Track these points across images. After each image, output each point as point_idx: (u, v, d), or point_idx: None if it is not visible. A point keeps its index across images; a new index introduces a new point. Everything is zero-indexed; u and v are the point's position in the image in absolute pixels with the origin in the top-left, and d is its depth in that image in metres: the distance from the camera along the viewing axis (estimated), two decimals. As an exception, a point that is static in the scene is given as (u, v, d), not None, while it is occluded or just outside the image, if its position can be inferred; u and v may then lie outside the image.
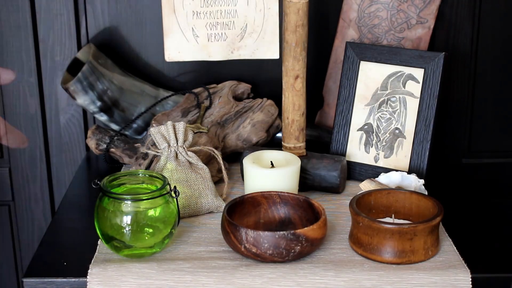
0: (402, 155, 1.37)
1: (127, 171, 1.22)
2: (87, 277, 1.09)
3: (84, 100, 1.46)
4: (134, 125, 1.49)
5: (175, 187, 1.14)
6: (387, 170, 1.36)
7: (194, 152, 1.31)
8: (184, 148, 1.27)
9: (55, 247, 1.19)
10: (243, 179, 1.34)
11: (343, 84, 1.43)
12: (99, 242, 1.18)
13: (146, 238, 1.12)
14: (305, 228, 1.10)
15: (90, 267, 1.10)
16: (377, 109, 1.40)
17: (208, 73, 1.57)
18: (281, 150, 1.37)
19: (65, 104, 1.58)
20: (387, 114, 1.39)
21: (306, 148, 1.39)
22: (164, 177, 1.15)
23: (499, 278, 1.11)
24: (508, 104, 1.59)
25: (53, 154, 1.61)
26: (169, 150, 1.26)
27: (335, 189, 1.35)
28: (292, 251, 1.09)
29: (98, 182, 1.14)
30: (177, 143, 1.27)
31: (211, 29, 1.50)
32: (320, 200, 1.33)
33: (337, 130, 1.42)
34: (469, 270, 1.09)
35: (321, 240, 1.13)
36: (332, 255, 1.14)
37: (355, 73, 1.42)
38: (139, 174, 1.19)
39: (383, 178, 1.28)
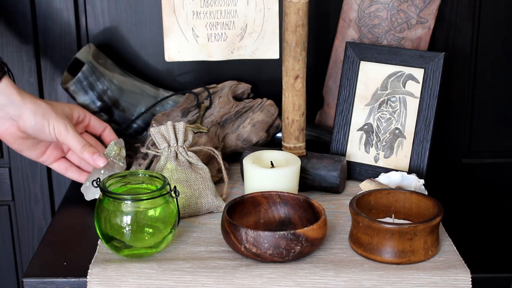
0: (402, 155, 1.37)
1: (127, 171, 1.22)
2: (87, 277, 1.09)
3: (84, 100, 1.46)
4: (134, 125, 1.49)
5: (175, 187, 1.14)
6: (387, 170, 1.36)
7: (194, 152, 1.31)
8: (184, 148, 1.27)
9: (55, 247, 1.19)
10: (243, 179, 1.34)
11: (343, 84, 1.43)
12: (99, 242, 1.18)
13: (146, 238, 1.12)
14: (305, 228, 1.10)
15: (90, 267, 1.10)
16: (377, 109, 1.40)
17: (208, 73, 1.57)
18: (281, 150, 1.37)
19: (65, 104, 1.58)
20: (387, 114, 1.39)
21: (306, 148, 1.39)
22: (164, 177, 1.15)
23: (499, 278, 1.11)
24: (508, 104, 1.59)
25: (53, 154, 1.61)
26: (169, 150, 1.26)
27: (335, 189, 1.35)
28: (292, 251, 1.09)
29: (98, 182, 1.14)
30: (177, 143, 1.27)
31: (211, 29, 1.50)
32: (320, 200, 1.33)
33: (337, 130, 1.42)
34: (469, 270, 1.09)
35: (321, 240, 1.13)
36: (332, 255, 1.14)
37: (355, 73, 1.42)
38: (139, 174, 1.19)
39: (383, 178, 1.28)
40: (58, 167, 1.31)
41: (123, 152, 1.32)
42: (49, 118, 1.23)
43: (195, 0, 1.49)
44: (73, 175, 1.31)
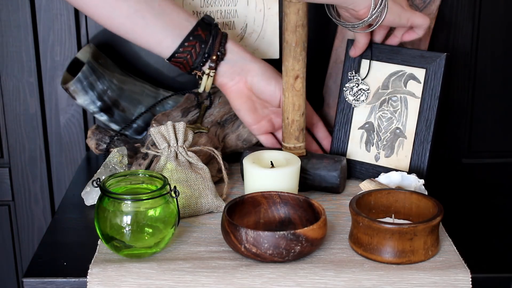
0: (403, 155, 1.37)
1: (127, 171, 1.22)
2: (87, 277, 1.09)
3: (84, 100, 1.46)
4: (134, 125, 1.50)
5: (175, 187, 1.14)
6: (387, 170, 1.36)
7: (194, 152, 1.31)
8: (184, 148, 1.27)
9: (55, 247, 1.19)
10: (243, 179, 1.34)
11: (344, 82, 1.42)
12: (99, 242, 1.18)
13: (146, 238, 1.12)
14: (305, 228, 1.10)
15: (90, 267, 1.10)
16: (378, 108, 1.40)
17: (208, 73, 1.57)
18: (281, 150, 1.37)
19: (65, 104, 1.58)
20: (388, 114, 1.39)
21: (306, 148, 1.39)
22: (164, 177, 1.15)
23: (499, 278, 1.11)
24: (508, 104, 1.59)
25: (53, 154, 1.61)
26: (169, 150, 1.26)
27: (335, 189, 1.35)
28: (292, 251, 1.09)
29: (98, 182, 1.14)
30: (177, 143, 1.27)
31: (211, 29, 1.50)
32: (320, 200, 1.33)
33: (338, 128, 1.42)
34: (469, 270, 1.09)
35: (321, 240, 1.13)
36: (332, 255, 1.14)
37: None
38: (139, 174, 1.19)
39: (383, 178, 1.28)
40: (266, 140, 1.38)
41: (125, 160, 1.33)
42: (276, 78, 1.34)
43: (195, 0, 1.49)
44: None
